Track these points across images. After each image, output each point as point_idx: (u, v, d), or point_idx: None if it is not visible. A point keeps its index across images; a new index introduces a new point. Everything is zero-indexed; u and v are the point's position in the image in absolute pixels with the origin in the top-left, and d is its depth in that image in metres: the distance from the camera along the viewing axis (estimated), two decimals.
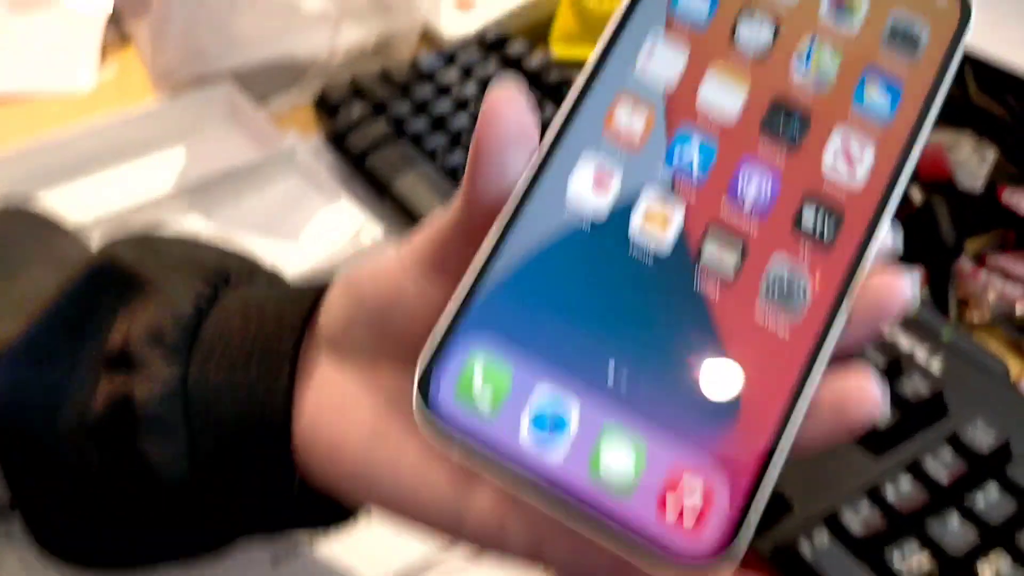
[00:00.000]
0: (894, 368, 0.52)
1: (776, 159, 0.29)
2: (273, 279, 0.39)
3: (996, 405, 0.51)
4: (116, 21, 0.86)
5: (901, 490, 0.46)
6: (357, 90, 0.73)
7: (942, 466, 0.47)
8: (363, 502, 0.33)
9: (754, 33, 0.30)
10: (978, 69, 0.71)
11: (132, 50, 0.84)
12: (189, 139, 0.72)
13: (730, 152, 0.29)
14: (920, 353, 0.54)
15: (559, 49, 0.80)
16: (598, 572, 0.29)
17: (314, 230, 0.64)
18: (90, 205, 0.63)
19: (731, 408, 0.26)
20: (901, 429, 0.50)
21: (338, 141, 0.71)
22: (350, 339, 0.33)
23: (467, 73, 0.75)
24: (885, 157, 0.29)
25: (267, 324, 0.33)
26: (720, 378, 0.26)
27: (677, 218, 0.28)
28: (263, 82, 0.76)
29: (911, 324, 0.56)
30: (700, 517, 0.25)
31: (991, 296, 0.61)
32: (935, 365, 0.53)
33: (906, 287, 0.27)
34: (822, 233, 0.28)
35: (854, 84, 0.30)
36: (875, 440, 0.49)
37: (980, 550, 0.44)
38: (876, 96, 0.30)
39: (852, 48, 0.30)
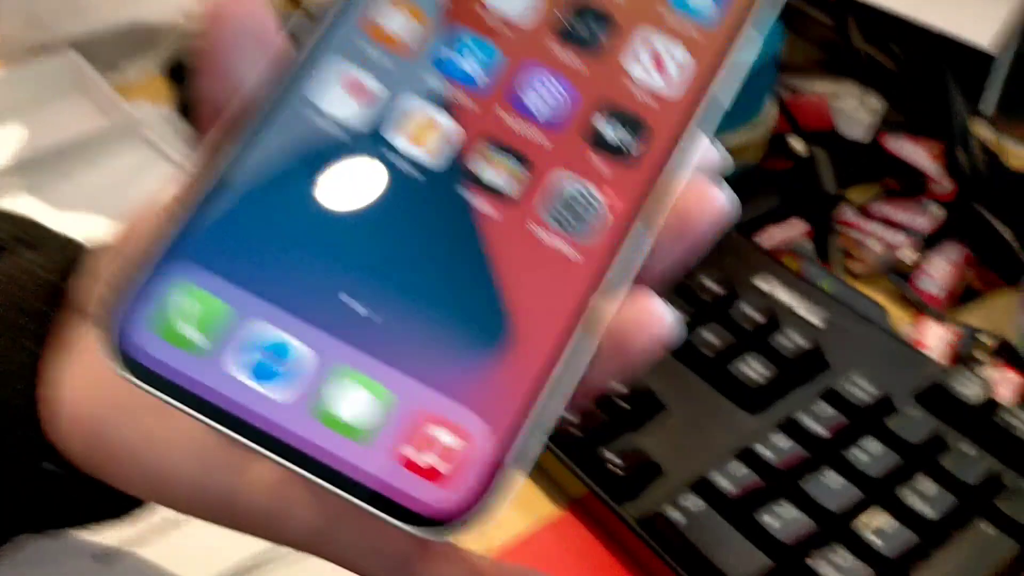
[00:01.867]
0: (772, 322, 0.49)
1: (569, 62, 0.25)
2: (62, 248, 0.35)
3: (878, 356, 0.49)
4: None
5: (778, 448, 0.43)
6: None
7: (821, 421, 0.44)
8: (125, 485, 0.29)
9: None
10: (861, 18, 0.69)
11: None
12: (30, 111, 0.66)
13: (514, 54, 0.25)
14: (800, 306, 0.51)
15: None
16: (385, 565, 0.25)
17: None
18: None
19: (499, 344, 0.22)
20: (779, 385, 0.47)
21: (189, 111, 0.66)
22: None
23: None
24: (703, 60, 0.25)
25: (14, 288, 0.29)
26: (487, 310, 0.22)
27: (446, 130, 0.24)
28: (111, 50, 0.70)
29: (791, 276, 0.53)
30: (449, 469, 0.21)
31: (875, 245, 0.59)
32: (816, 317, 0.50)
33: (718, 198, 0.24)
34: (621, 147, 0.24)
35: None
36: (751, 397, 0.46)
37: (861, 506, 0.41)
38: None
39: None
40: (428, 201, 0.23)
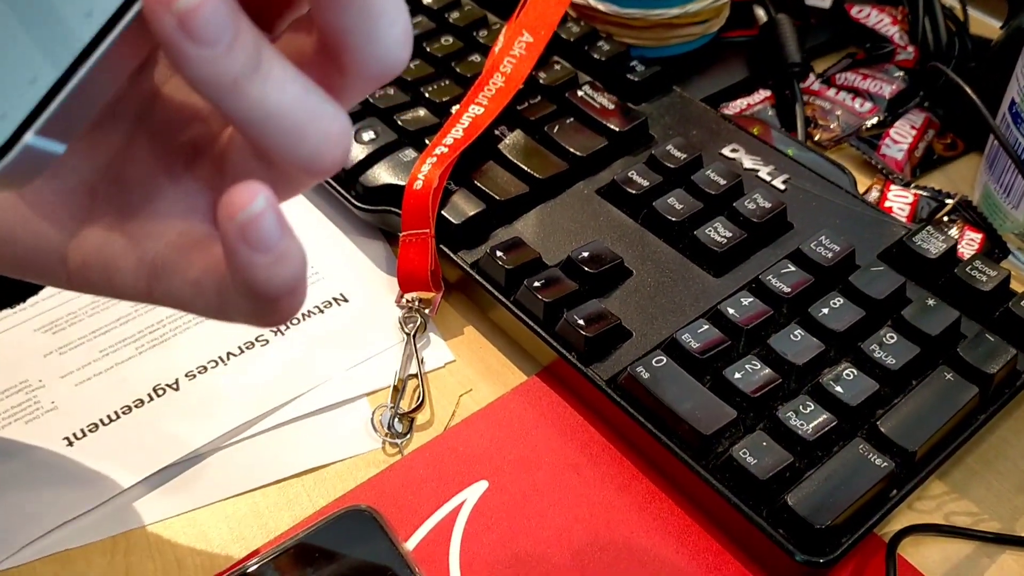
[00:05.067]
0: (737, 187, 0.49)
1: None
2: None
3: (842, 218, 0.49)
4: None
5: (743, 306, 0.43)
6: None
7: (785, 279, 0.45)
8: None
9: None
10: None
11: None
12: None
13: None
14: (764, 171, 0.51)
15: None
16: (199, 300, 0.27)
17: None
18: None
19: None
20: (744, 247, 0.47)
21: None
22: None
23: None
24: None
25: None
26: None
27: None
28: None
29: (756, 143, 0.53)
30: None
31: (840, 113, 0.59)
32: (780, 181, 0.50)
33: None
34: None
35: None
36: (717, 261, 0.46)
37: (825, 358, 0.42)
38: None
39: None
40: None
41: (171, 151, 0.28)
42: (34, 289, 0.39)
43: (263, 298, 0.25)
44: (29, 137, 0.23)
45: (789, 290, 0.44)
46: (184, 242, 0.28)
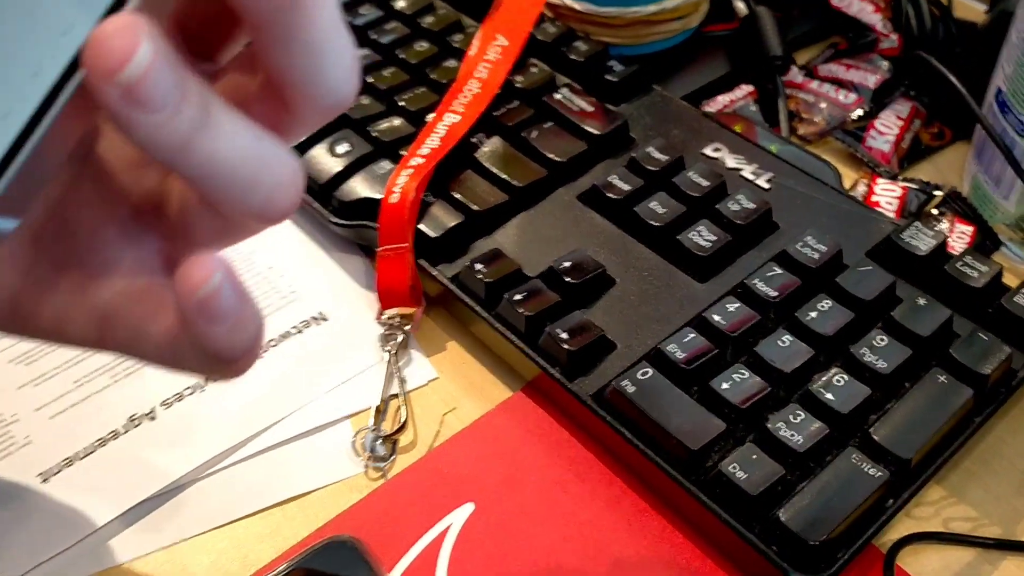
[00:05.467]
0: (720, 188, 0.48)
1: None
2: None
3: (828, 216, 0.48)
4: None
5: (729, 313, 0.42)
6: None
7: (772, 283, 0.44)
8: None
9: None
10: None
11: None
12: None
13: None
14: (748, 170, 0.50)
15: None
16: (153, 352, 0.26)
17: None
18: None
19: None
20: (729, 251, 0.46)
21: None
22: None
23: None
24: None
25: None
26: None
27: None
28: None
29: (739, 142, 0.52)
30: None
31: (824, 106, 0.57)
32: (764, 180, 0.49)
33: None
34: None
35: None
36: (701, 265, 0.45)
37: (815, 364, 0.41)
38: None
39: None
40: None
41: (115, 195, 0.27)
42: None
43: (221, 360, 0.25)
44: None
45: (776, 294, 0.43)
46: (134, 291, 0.27)
